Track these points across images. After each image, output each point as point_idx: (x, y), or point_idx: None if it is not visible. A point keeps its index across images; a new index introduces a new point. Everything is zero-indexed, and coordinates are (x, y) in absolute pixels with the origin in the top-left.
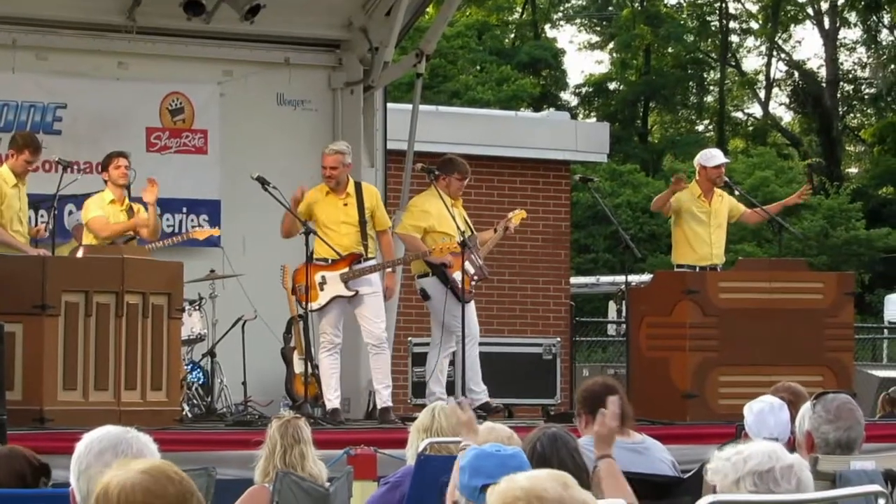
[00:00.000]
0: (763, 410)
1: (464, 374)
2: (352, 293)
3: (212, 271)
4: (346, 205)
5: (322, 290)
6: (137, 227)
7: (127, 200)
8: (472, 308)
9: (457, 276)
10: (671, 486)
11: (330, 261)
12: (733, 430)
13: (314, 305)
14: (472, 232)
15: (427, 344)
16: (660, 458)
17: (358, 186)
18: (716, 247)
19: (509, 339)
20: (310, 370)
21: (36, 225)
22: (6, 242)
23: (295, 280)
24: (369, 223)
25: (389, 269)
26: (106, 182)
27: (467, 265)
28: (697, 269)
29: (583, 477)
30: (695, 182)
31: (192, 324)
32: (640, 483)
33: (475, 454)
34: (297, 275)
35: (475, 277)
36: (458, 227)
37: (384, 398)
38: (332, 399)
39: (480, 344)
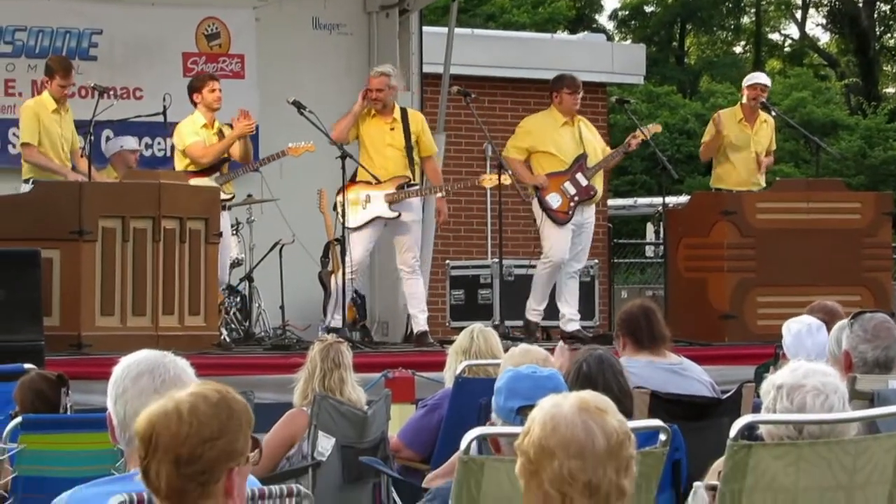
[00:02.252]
0: (801, 332)
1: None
2: (394, 215)
3: (249, 196)
4: (392, 129)
5: (365, 208)
6: (230, 150)
7: (217, 123)
8: (558, 231)
9: (553, 197)
10: (710, 406)
11: (375, 182)
12: (772, 351)
13: (353, 223)
14: (584, 150)
15: (464, 267)
16: (698, 378)
17: (404, 112)
18: (754, 173)
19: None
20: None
21: (83, 152)
22: (44, 165)
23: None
24: (415, 149)
25: (439, 194)
26: (195, 105)
27: (567, 185)
28: (735, 192)
29: (625, 401)
30: (739, 105)
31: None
32: (679, 404)
33: (511, 376)
34: (340, 193)
35: (575, 198)
36: (567, 146)
37: (420, 322)
38: (337, 319)
39: (521, 266)
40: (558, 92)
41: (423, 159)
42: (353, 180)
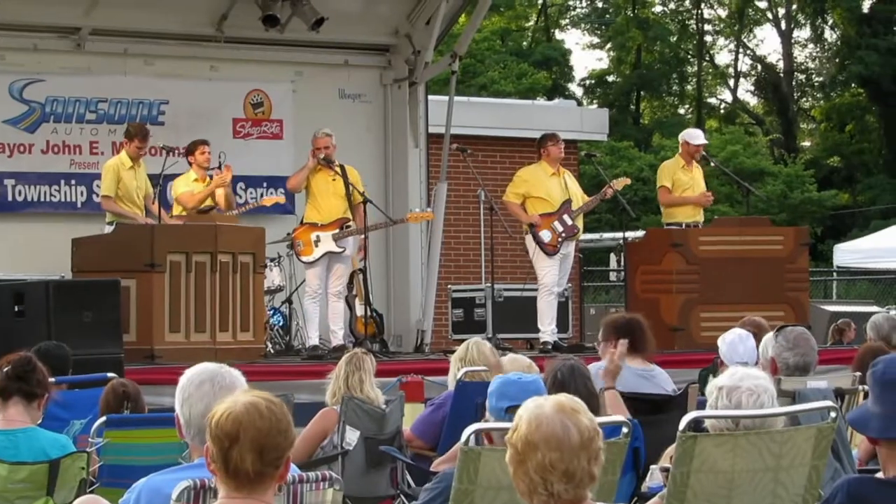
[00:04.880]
0: (734, 341)
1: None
2: (340, 250)
3: (288, 234)
4: (334, 180)
5: (316, 246)
6: (213, 197)
7: (208, 179)
8: (549, 261)
9: (545, 233)
10: (663, 403)
11: (320, 224)
12: (712, 357)
13: (309, 258)
14: (569, 196)
15: (463, 290)
16: (662, 383)
17: (342, 167)
18: (696, 208)
19: (532, 286)
20: (369, 313)
21: (154, 199)
22: (120, 213)
23: (295, 237)
24: (352, 196)
25: (362, 235)
26: (190, 164)
27: (556, 224)
28: (683, 226)
29: (592, 401)
30: (678, 156)
31: (273, 277)
32: (639, 401)
33: (501, 382)
34: (297, 233)
35: (563, 235)
36: (556, 192)
37: (339, 337)
38: (313, 337)
39: (509, 290)
40: (545, 147)
41: (355, 205)
42: (301, 223)
